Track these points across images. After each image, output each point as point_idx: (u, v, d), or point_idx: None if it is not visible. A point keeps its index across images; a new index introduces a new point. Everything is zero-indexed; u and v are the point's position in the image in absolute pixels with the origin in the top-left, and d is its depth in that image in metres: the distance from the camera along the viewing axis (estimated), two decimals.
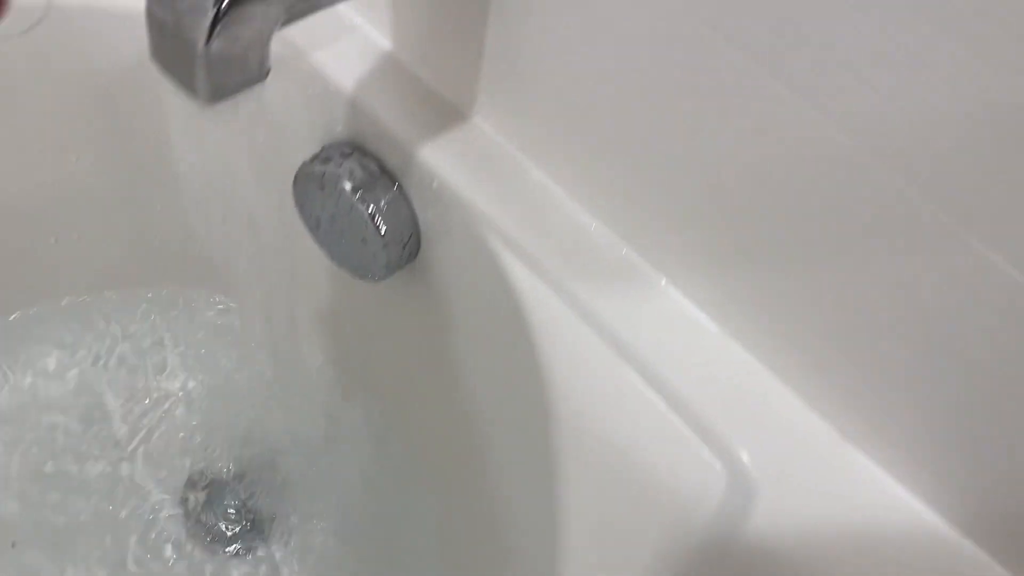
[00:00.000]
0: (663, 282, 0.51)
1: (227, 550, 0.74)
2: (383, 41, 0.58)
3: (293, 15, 0.37)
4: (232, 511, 0.76)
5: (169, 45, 0.36)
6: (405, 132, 0.55)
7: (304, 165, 0.58)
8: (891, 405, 0.43)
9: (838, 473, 0.46)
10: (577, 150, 0.51)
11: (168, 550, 0.73)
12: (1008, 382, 0.37)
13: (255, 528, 0.75)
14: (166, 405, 0.80)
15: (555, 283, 0.52)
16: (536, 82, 0.50)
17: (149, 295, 0.84)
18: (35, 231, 0.77)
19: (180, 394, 0.80)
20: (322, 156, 0.59)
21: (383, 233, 0.57)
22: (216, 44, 0.35)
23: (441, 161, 0.55)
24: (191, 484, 0.77)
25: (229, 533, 0.75)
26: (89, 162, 0.75)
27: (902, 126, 0.34)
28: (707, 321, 0.50)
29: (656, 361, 0.49)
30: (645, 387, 0.49)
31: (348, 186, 0.57)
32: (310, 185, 0.58)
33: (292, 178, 0.59)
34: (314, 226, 0.61)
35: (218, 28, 0.35)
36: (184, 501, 0.76)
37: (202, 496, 0.76)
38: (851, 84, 0.34)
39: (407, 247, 0.59)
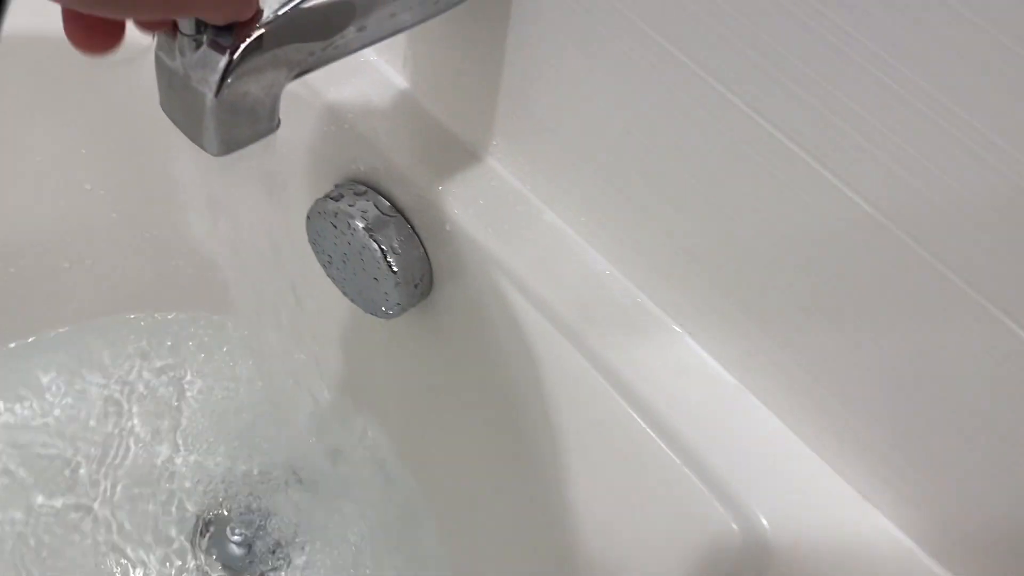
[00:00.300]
0: (679, 333, 0.50)
1: None
2: (399, 80, 0.57)
3: (305, 68, 0.36)
4: (237, 544, 0.75)
5: (178, 96, 0.35)
6: (419, 172, 0.54)
7: (317, 202, 0.57)
8: (912, 468, 0.42)
9: (856, 534, 0.45)
10: (593, 196, 0.49)
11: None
12: None
13: (260, 560, 0.74)
14: (172, 431, 0.79)
15: (567, 329, 0.50)
16: (552, 126, 0.48)
17: (160, 320, 0.83)
18: (49, 256, 0.77)
19: (183, 422, 0.79)
20: (336, 194, 0.57)
21: (395, 272, 0.56)
22: (225, 97, 0.34)
23: (454, 202, 0.53)
24: (197, 516, 0.76)
25: (236, 563, 0.74)
26: (104, 189, 0.74)
27: (927, 201, 0.32)
28: (724, 374, 0.48)
29: (671, 414, 0.47)
30: (659, 441, 0.47)
31: (361, 225, 0.56)
32: (323, 222, 0.57)
33: (305, 214, 0.58)
34: (327, 262, 0.60)
35: (228, 81, 0.33)
36: (192, 531, 0.75)
37: (208, 529, 0.75)
38: (875, 157, 0.33)
39: (419, 287, 0.58)
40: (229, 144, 0.35)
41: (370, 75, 0.58)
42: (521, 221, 0.53)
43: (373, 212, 0.56)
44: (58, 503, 0.74)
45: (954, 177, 0.31)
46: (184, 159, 0.62)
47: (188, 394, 0.80)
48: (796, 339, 0.43)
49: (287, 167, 0.62)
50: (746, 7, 0.34)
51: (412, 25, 0.39)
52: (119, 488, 0.76)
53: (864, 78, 0.32)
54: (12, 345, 0.80)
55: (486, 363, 0.57)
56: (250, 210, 0.67)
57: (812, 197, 0.36)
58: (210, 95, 0.33)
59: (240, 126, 0.35)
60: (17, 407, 0.78)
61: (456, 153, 0.55)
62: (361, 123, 0.56)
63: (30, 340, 0.81)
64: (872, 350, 0.39)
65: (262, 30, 0.33)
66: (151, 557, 0.73)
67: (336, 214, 0.56)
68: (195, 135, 0.35)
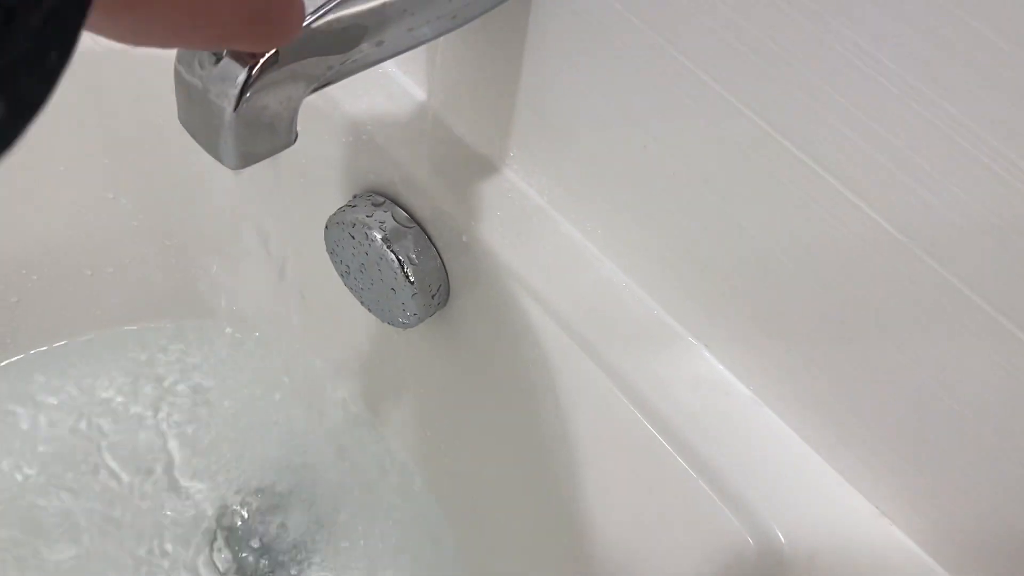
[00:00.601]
0: (695, 345, 0.49)
1: None
2: (417, 92, 0.57)
3: (323, 82, 0.35)
4: (252, 552, 0.75)
5: (197, 111, 0.34)
6: (436, 183, 0.54)
7: (336, 213, 0.57)
8: (929, 483, 0.41)
9: (873, 550, 0.44)
10: (609, 209, 0.49)
11: None
12: None
13: (276, 569, 0.74)
14: (189, 436, 0.79)
15: (583, 340, 0.50)
16: (569, 139, 0.48)
17: (179, 328, 0.83)
18: (71, 263, 0.77)
19: (203, 429, 0.79)
20: (354, 205, 0.57)
21: (412, 282, 0.56)
22: (244, 112, 0.33)
23: (471, 213, 0.53)
24: (213, 522, 0.76)
25: (251, 571, 0.74)
26: (125, 198, 0.74)
27: (943, 217, 0.32)
28: (740, 387, 0.48)
29: (686, 426, 0.47)
30: (674, 453, 0.47)
31: (379, 235, 0.55)
32: (341, 232, 0.57)
33: (324, 225, 0.58)
34: (345, 272, 0.60)
35: (246, 96, 0.33)
36: (208, 536, 0.75)
37: (224, 536, 0.75)
38: (892, 174, 0.32)
39: (436, 297, 0.58)
40: (247, 158, 0.35)
41: (389, 87, 0.58)
42: (538, 232, 0.52)
43: (391, 223, 0.56)
44: (79, 502, 0.75)
45: (969, 194, 0.30)
46: (204, 170, 0.62)
47: (206, 401, 0.80)
48: (812, 353, 0.42)
49: (306, 178, 0.62)
50: (766, 25, 0.34)
51: (430, 39, 0.39)
52: (135, 491, 0.76)
53: (882, 97, 0.31)
54: (33, 352, 0.80)
55: (502, 373, 0.57)
56: (269, 220, 0.67)
57: (829, 213, 0.36)
58: (229, 109, 0.33)
59: (258, 140, 0.35)
60: (38, 412, 0.78)
61: (473, 165, 0.55)
62: (380, 135, 0.56)
63: (53, 346, 0.81)
64: (888, 365, 0.38)
65: None
66: (165, 562, 0.73)
67: (354, 224, 0.56)
68: (213, 148, 0.35)
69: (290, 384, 0.78)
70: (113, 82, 0.64)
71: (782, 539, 0.44)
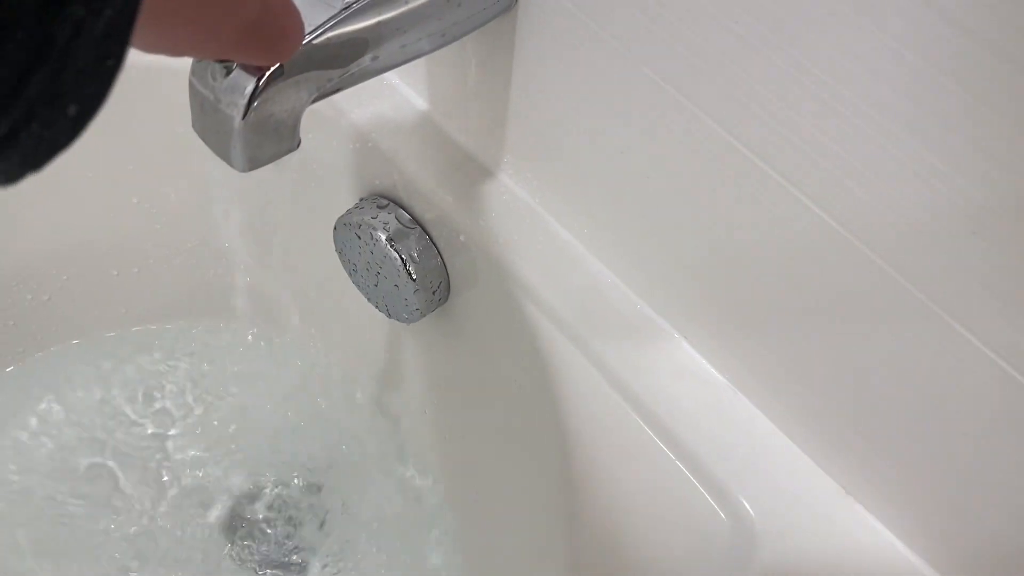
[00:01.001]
0: (676, 338, 0.52)
1: None
2: (419, 101, 0.60)
3: (323, 94, 0.39)
4: (268, 544, 0.78)
5: (209, 119, 0.38)
6: (436, 187, 0.57)
7: (343, 215, 0.60)
8: (887, 463, 0.43)
9: (839, 526, 0.46)
10: (594, 210, 0.52)
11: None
12: (986, 447, 0.37)
13: (290, 564, 0.77)
14: (210, 433, 0.82)
15: (572, 334, 0.53)
16: (557, 146, 0.51)
17: (199, 326, 0.86)
18: (98, 264, 0.81)
19: (217, 423, 0.82)
20: (360, 207, 0.60)
21: (414, 279, 0.59)
22: (251, 120, 0.36)
23: (468, 215, 0.56)
24: (231, 517, 0.79)
25: (266, 564, 0.77)
26: (149, 203, 0.78)
27: (882, 219, 0.34)
28: (717, 376, 0.50)
29: (666, 413, 0.49)
30: (655, 438, 0.49)
31: (383, 236, 0.58)
32: (348, 233, 0.60)
33: (333, 226, 0.61)
34: (352, 271, 0.63)
35: (254, 105, 0.36)
36: (224, 530, 0.78)
37: (239, 529, 0.78)
38: (840, 180, 0.35)
39: (437, 293, 0.60)
40: (254, 161, 0.38)
41: (392, 97, 0.61)
42: (530, 232, 0.55)
43: (394, 224, 0.59)
44: (98, 491, 0.78)
45: (899, 192, 0.33)
46: (220, 175, 0.66)
47: (221, 396, 0.83)
48: (778, 343, 0.45)
49: (316, 182, 0.65)
50: (724, 47, 0.37)
51: (423, 55, 0.42)
52: (153, 484, 0.79)
53: (828, 112, 0.34)
54: (61, 347, 0.84)
55: (499, 365, 0.60)
56: (282, 222, 0.70)
57: (784, 213, 0.38)
58: (238, 118, 0.36)
59: (264, 145, 0.38)
60: (64, 403, 0.82)
61: (470, 169, 0.58)
62: (384, 141, 0.59)
63: (77, 343, 0.84)
64: (841, 352, 0.41)
65: None
66: (181, 549, 0.76)
67: (360, 226, 0.59)
68: (224, 153, 0.38)
69: (301, 379, 0.81)
70: (137, 95, 0.67)
71: (753, 515, 0.47)
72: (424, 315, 0.61)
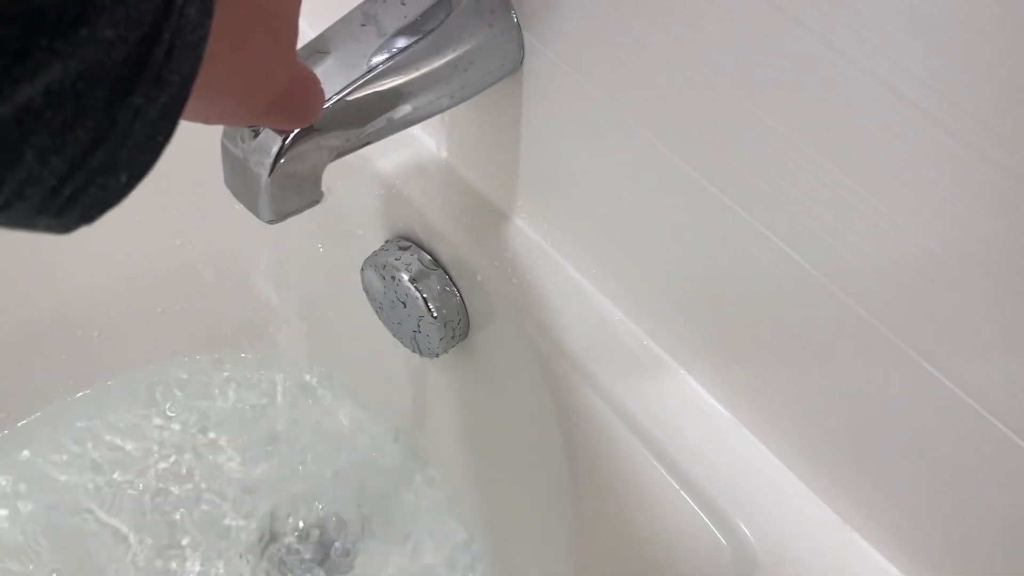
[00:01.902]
0: (681, 372, 0.53)
1: None
2: (439, 151, 0.62)
3: (343, 152, 0.41)
4: (298, 565, 0.80)
5: (239, 176, 0.40)
6: (454, 230, 0.59)
7: (369, 257, 0.63)
8: (883, 495, 0.44)
9: (837, 555, 0.47)
10: (602, 252, 0.53)
11: None
12: (967, 482, 0.38)
13: None
14: (242, 457, 0.84)
15: (581, 369, 0.54)
16: (565, 192, 0.53)
17: (238, 359, 0.89)
18: (144, 301, 0.84)
19: (253, 451, 0.84)
20: (385, 249, 0.63)
21: (436, 317, 0.61)
22: (276, 177, 0.39)
23: (484, 256, 0.58)
24: (259, 545, 0.81)
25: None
26: (192, 244, 0.81)
27: (855, 268, 0.36)
28: (719, 409, 0.52)
29: (670, 444, 0.51)
30: (659, 467, 0.51)
31: (406, 276, 0.61)
32: (374, 274, 0.63)
33: (359, 266, 0.64)
34: (378, 308, 0.65)
35: (279, 164, 0.39)
36: (255, 551, 0.80)
37: (270, 551, 0.80)
38: (815, 231, 0.37)
39: (457, 330, 0.62)
40: (280, 214, 0.41)
41: (414, 147, 0.63)
42: (542, 272, 0.57)
43: (416, 265, 0.61)
44: (144, 508, 0.81)
45: (863, 240, 0.35)
46: (255, 220, 0.68)
47: (256, 425, 0.86)
48: (774, 379, 0.46)
49: (344, 226, 0.68)
50: (703, 106, 0.39)
51: (433, 115, 0.45)
52: (190, 506, 0.81)
53: (799, 170, 0.36)
54: (104, 383, 0.87)
55: (514, 396, 0.61)
56: (312, 263, 0.73)
57: (769, 261, 0.40)
58: (264, 175, 0.39)
59: (289, 199, 0.41)
60: (110, 433, 0.85)
61: (486, 214, 0.60)
62: (406, 188, 0.61)
63: (124, 376, 0.87)
64: (831, 390, 0.42)
65: None
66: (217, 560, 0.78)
67: (385, 266, 0.61)
68: (252, 206, 0.40)
69: (329, 411, 0.84)
70: (181, 149, 0.70)
71: (754, 543, 0.48)
72: (445, 350, 0.63)
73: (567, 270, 0.57)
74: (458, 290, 0.61)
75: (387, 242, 0.64)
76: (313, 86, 0.31)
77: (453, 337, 0.63)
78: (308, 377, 0.86)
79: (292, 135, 0.39)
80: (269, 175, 0.39)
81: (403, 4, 0.42)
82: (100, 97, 0.17)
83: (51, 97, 0.15)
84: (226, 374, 0.88)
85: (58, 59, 0.15)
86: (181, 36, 0.17)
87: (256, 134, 0.39)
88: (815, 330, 0.40)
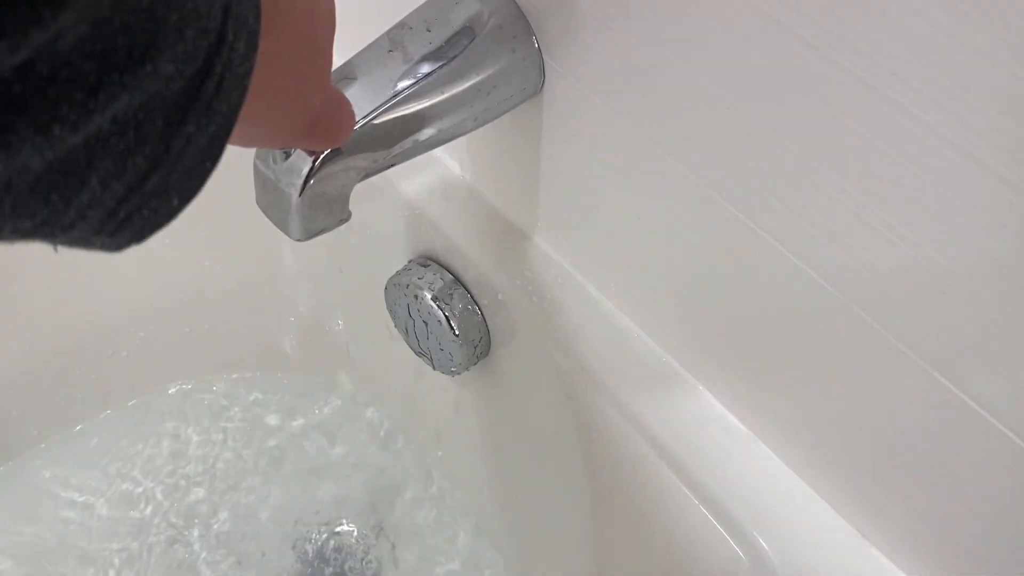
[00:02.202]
0: (699, 388, 0.54)
1: None
2: (460, 171, 0.64)
3: (369, 173, 0.42)
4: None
5: (271, 196, 0.42)
6: (476, 249, 0.60)
7: (393, 276, 0.64)
8: (900, 509, 0.45)
9: (855, 569, 0.47)
10: (621, 270, 0.54)
11: None
12: (981, 489, 0.38)
13: None
14: (265, 475, 0.85)
15: (602, 385, 0.55)
16: (584, 212, 0.54)
17: (264, 379, 0.90)
18: (173, 321, 0.86)
19: (276, 468, 0.85)
20: (408, 268, 0.64)
21: (457, 335, 0.62)
22: (306, 197, 0.40)
23: (505, 275, 0.59)
24: (290, 555, 0.82)
25: None
26: (220, 265, 0.82)
27: (868, 282, 0.37)
28: (737, 424, 0.52)
29: (689, 459, 0.51)
30: (679, 483, 0.51)
31: (428, 295, 0.62)
32: (398, 293, 0.64)
33: (384, 286, 0.65)
34: (401, 327, 0.67)
35: (309, 184, 0.40)
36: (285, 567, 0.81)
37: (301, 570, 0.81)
38: (827, 244, 0.38)
39: (478, 347, 0.63)
40: (309, 232, 0.42)
41: (436, 168, 0.64)
42: (561, 290, 0.58)
43: (439, 284, 0.62)
44: (170, 521, 0.82)
45: (878, 258, 0.35)
46: (281, 243, 0.70)
47: (278, 442, 0.87)
48: (790, 394, 0.47)
49: (368, 246, 0.69)
50: (722, 127, 0.40)
51: (458, 137, 0.46)
52: (217, 520, 0.83)
53: (816, 193, 0.37)
54: (133, 402, 0.88)
55: (536, 413, 0.62)
56: (338, 283, 0.74)
57: (784, 277, 0.41)
58: (295, 195, 0.40)
59: (318, 218, 0.42)
60: (142, 449, 0.86)
61: (507, 233, 0.61)
62: (429, 208, 0.63)
63: (152, 394, 0.89)
64: (847, 405, 0.43)
65: None
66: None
67: (408, 286, 0.63)
68: (283, 225, 0.42)
69: (352, 427, 0.85)
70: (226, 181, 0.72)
71: (773, 558, 0.48)
72: (467, 368, 0.64)
73: (587, 288, 0.58)
74: (480, 309, 0.62)
75: (410, 261, 0.65)
76: (345, 110, 0.32)
77: (475, 355, 0.64)
78: (332, 396, 0.87)
79: (322, 156, 0.40)
80: (300, 195, 0.40)
81: (428, 31, 0.43)
82: (158, 126, 0.18)
83: (116, 126, 0.17)
84: (247, 392, 0.89)
85: (126, 92, 0.16)
86: (230, 69, 0.19)
87: (287, 156, 0.41)
88: (830, 344, 0.41)
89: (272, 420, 0.88)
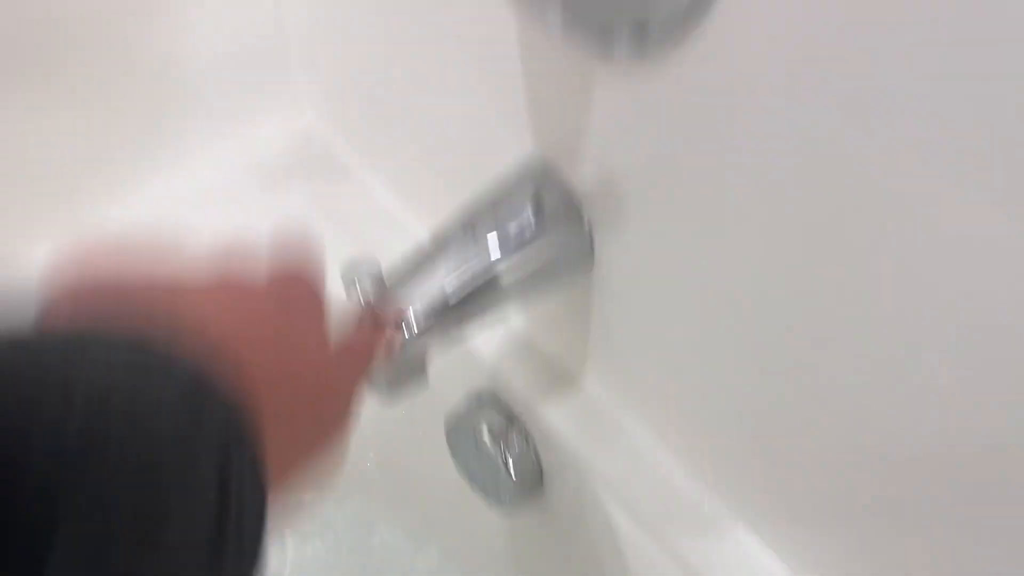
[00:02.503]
0: (745, 530, 0.57)
1: None
2: (517, 321, 0.69)
3: (440, 346, 0.48)
4: None
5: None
6: (531, 392, 0.65)
7: (452, 416, 0.68)
8: None
9: None
10: (667, 414, 0.58)
11: None
12: None
13: None
14: None
15: (650, 528, 0.58)
16: (629, 361, 0.58)
17: (328, 502, 0.92)
18: None
19: None
20: (467, 408, 0.68)
21: (512, 472, 0.66)
22: (388, 374, 0.46)
23: (558, 416, 0.63)
24: None
25: None
26: None
27: (915, 436, 0.41)
28: (778, 564, 0.55)
29: None
30: None
31: (485, 433, 0.66)
32: (458, 431, 0.68)
33: (443, 423, 0.69)
34: (460, 462, 0.70)
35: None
36: None
37: None
38: (866, 400, 0.42)
39: (532, 484, 0.67)
40: (394, 396, 0.48)
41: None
42: (610, 434, 0.62)
43: (496, 423, 0.66)
44: None
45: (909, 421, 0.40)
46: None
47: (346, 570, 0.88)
48: (833, 538, 0.50)
49: (432, 387, 0.74)
50: (779, 296, 0.45)
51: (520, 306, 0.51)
52: None
53: (843, 367, 0.41)
54: None
55: (582, 552, 0.65)
56: (395, 419, 0.77)
57: (828, 423, 0.45)
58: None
59: (400, 388, 0.47)
60: None
61: (560, 376, 0.65)
62: (486, 353, 0.67)
63: None
64: (896, 548, 0.46)
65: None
66: None
67: (467, 425, 0.67)
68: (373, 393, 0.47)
69: (406, 561, 0.86)
70: None
71: None
72: (520, 505, 0.68)
73: (636, 429, 0.62)
74: (534, 448, 0.66)
75: (469, 402, 0.70)
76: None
77: (526, 491, 0.67)
78: (385, 527, 0.88)
79: (398, 344, 0.45)
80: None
81: (497, 217, 0.49)
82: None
83: None
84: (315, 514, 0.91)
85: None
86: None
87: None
88: (873, 490, 0.45)
89: (329, 550, 0.89)
